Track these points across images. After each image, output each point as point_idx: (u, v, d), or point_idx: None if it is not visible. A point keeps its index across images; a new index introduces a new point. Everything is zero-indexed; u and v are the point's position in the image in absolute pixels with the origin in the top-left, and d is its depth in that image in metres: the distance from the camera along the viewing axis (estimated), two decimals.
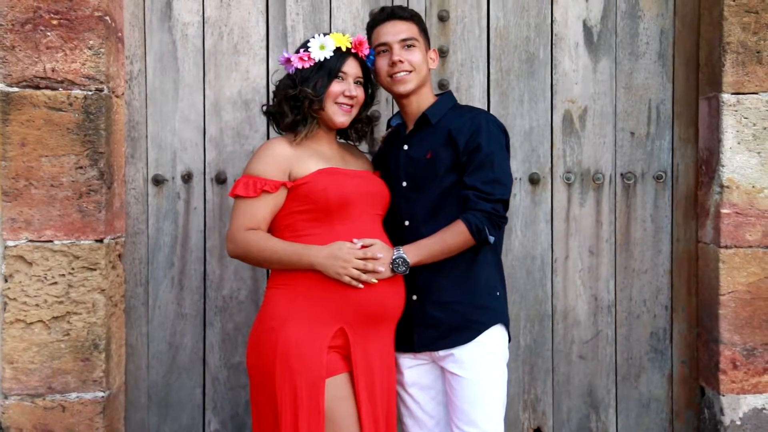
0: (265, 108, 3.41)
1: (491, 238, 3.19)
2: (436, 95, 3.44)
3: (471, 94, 3.89)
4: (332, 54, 3.23)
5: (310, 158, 3.20)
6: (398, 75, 3.29)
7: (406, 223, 3.30)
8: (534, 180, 3.91)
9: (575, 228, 3.94)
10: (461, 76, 3.92)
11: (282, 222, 3.19)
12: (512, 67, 3.93)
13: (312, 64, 3.22)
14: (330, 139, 3.33)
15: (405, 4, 3.81)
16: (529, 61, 3.93)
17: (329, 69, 3.23)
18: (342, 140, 3.45)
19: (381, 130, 3.66)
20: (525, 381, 3.95)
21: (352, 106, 3.28)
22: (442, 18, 3.90)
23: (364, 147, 3.55)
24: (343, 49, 3.25)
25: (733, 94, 3.61)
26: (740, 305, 3.62)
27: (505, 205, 3.24)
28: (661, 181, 3.92)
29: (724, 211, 3.61)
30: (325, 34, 3.26)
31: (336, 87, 3.23)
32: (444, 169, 3.24)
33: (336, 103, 3.24)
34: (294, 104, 3.22)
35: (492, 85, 3.93)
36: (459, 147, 3.22)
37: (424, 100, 3.36)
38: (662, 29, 3.91)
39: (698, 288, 3.87)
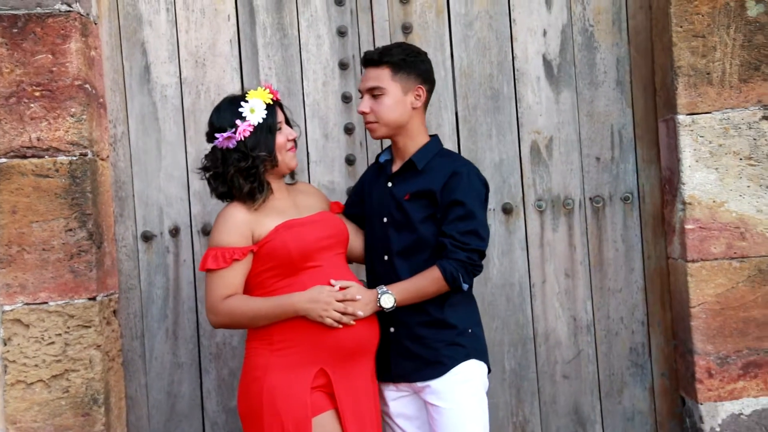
0: (214, 194, 3.43)
1: (465, 286, 3.31)
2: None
3: (441, 131, 4.01)
4: (266, 111, 3.35)
5: (267, 217, 3.31)
6: (366, 125, 3.44)
7: (386, 257, 3.42)
8: (507, 210, 4.05)
9: (550, 253, 4.07)
10: (430, 115, 4.02)
11: (251, 282, 3.31)
12: (478, 104, 4.08)
13: (252, 129, 3.32)
14: (280, 188, 3.44)
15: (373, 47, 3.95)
16: (494, 97, 4.07)
17: (269, 125, 3.34)
18: (289, 182, 3.59)
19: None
20: (512, 404, 4.06)
21: (294, 145, 3.44)
22: None
23: None
24: (270, 102, 3.37)
25: (687, 114, 3.74)
26: (711, 316, 3.73)
27: (481, 255, 3.35)
28: (628, 202, 4.05)
29: (688, 226, 3.74)
30: (243, 96, 3.37)
31: (280, 138, 3.37)
32: (423, 214, 3.36)
33: (286, 150, 3.39)
34: (248, 173, 3.31)
35: (460, 122, 4.07)
36: (438, 196, 3.33)
37: (412, 140, 3.45)
38: (618, 58, 4.06)
39: (671, 302, 3.99)
